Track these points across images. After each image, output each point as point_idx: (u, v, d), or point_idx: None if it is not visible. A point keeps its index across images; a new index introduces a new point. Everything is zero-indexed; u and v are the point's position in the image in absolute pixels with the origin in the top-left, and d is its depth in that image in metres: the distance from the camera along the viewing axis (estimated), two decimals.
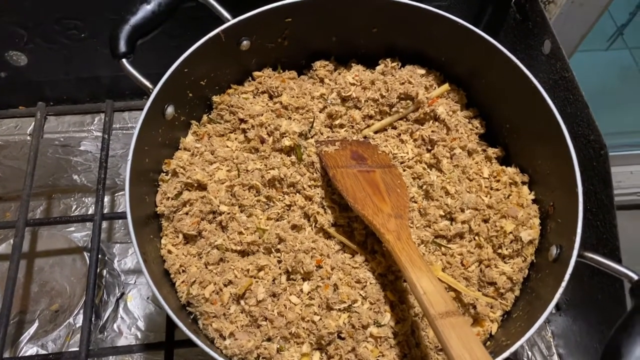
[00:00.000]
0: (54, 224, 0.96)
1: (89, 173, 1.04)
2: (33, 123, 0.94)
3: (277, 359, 0.59)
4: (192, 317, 0.62)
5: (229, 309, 0.61)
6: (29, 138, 0.95)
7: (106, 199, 1.06)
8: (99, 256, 0.91)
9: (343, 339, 0.60)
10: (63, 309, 0.88)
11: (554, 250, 0.59)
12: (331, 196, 0.69)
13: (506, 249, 0.64)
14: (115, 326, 0.92)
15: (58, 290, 0.90)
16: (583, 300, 0.76)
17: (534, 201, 0.67)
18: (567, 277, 0.53)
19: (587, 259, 0.55)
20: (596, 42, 1.81)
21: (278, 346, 0.59)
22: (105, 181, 0.85)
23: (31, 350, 0.83)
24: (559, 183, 0.62)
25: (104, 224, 1.03)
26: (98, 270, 0.91)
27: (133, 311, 0.93)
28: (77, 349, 0.72)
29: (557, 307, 0.84)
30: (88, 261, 0.82)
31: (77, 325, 0.86)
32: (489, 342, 0.62)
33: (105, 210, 1.03)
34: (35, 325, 0.86)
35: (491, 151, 0.73)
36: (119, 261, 0.98)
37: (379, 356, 0.60)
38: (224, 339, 0.60)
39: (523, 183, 0.69)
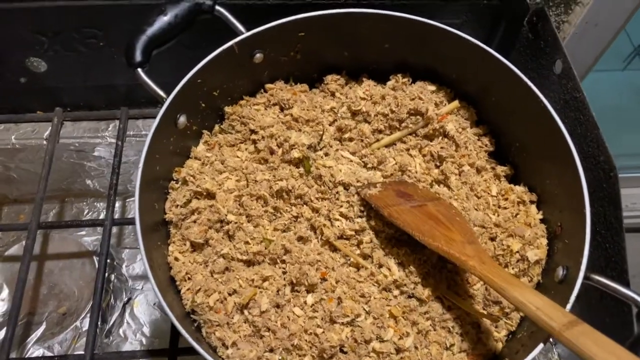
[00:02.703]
0: (65, 228, 0.98)
1: (102, 178, 1.06)
2: (50, 128, 0.96)
3: None
4: (196, 324, 0.63)
5: (232, 318, 0.61)
6: (45, 142, 0.97)
7: (117, 204, 1.08)
8: (108, 261, 0.92)
9: (345, 352, 0.60)
10: (70, 312, 0.89)
11: (560, 271, 0.58)
12: (339, 209, 0.69)
13: (512, 268, 0.64)
14: (120, 331, 0.92)
15: (66, 293, 0.91)
16: (591, 324, 0.74)
17: (542, 221, 0.67)
18: (572, 299, 0.53)
19: (593, 282, 0.54)
20: (612, 61, 1.80)
21: (280, 357, 0.59)
22: (117, 187, 0.86)
23: (38, 352, 0.84)
24: (568, 203, 0.62)
25: (114, 229, 1.04)
26: (106, 274, 0.92)
27: (139, 317, 0.94)
28: (83, 352, 0.73)
29: None
30: (97, 265, 0.83)
31: (84, 329, 0.87)
32: None
33: (116, 216, 1.05)
34: (43, 327, 0.87)
35: (500, 169, 0.73)
36: (127, 266, 0.99)
37: None
38: (227, 348, 0.60)
39: (531, 202, 0.69)
